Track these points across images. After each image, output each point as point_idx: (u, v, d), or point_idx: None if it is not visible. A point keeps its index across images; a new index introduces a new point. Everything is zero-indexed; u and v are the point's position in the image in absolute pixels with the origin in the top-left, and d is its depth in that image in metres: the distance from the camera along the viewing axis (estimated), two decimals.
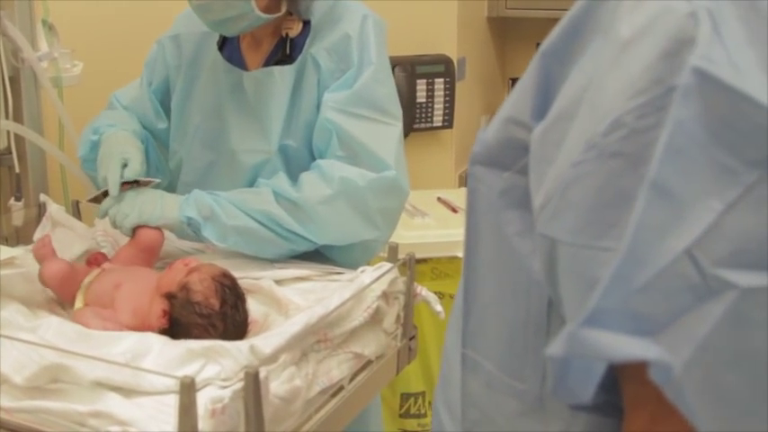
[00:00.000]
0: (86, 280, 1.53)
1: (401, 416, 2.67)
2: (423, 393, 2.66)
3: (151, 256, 1.62)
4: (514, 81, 3.45)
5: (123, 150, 1.68)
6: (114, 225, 1.63)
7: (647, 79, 0.67)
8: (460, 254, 2.59)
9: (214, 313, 1.36)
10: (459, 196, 2.91)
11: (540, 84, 0.82)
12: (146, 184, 1.66)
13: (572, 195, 0.71)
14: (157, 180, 1.69)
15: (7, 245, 1.84)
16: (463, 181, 3.26)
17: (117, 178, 1.63)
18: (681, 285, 0.65)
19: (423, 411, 2.68)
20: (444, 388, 1.04)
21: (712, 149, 0.65)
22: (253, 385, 1.07)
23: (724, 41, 0.66)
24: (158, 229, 1.62)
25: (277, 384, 1.17)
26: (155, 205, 1.61)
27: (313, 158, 1.68)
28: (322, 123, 1.63)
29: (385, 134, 1.65)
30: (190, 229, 1.61)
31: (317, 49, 1.68)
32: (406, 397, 2.65)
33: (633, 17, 0.71)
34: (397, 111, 1.71)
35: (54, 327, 1.35)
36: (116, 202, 1.62)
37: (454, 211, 2.77)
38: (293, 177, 1.65)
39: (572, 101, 0.75)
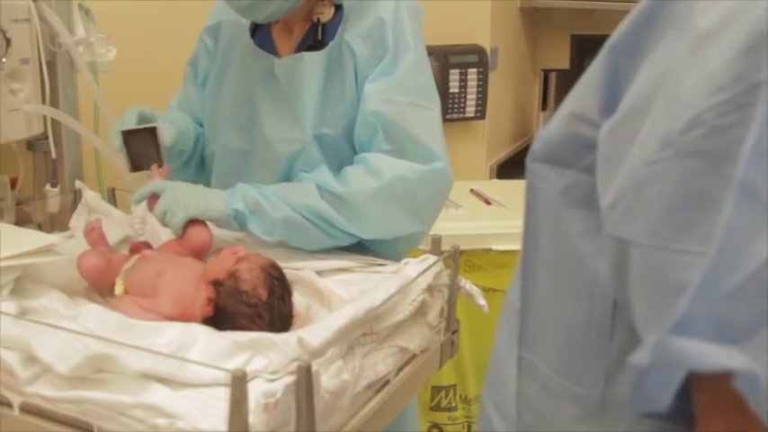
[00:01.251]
0: (126, 266, 1.51)
1: (432, 409, 2.65)
2: (453, 386, 2.64)
3: (197, 256, 1.59)
4: (546, 72, 3.41)
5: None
6: (164, 224, 1.60)
7: (728, 75, 0.64)
8: (495, 246, 2.58)
9: (261, 303, 1.34)
10: (492, 188, 2.88)
11: (607, 79, 0.79)
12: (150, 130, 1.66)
13: (646, 195, 0.68)
14: (155, 124, 1.68)
15: (42, 231, 1.83)
16: (494, 173, 3.23)
17: (116, 129, 1.66)
18: (766, 291, 0.62)
19: (453, 405, 2.65)
20: (494, 389, 1.02)
21: None
22: (305, 379, 1.05)
23: None
24: (209, 230, 1.59)
25: (326, 378, 1.15)
26: (199, 199, 1.58)
27: (352, 149, 1.65)
28: (366, 117, 1.59)
29: (429, 121, 1.62)
30: (236, 223, 1.58)
31: (351, 36, 1.63)
32: (436, 390, 2.62)
33: (712, 10, 0.68)
34: (436, 95, 1.68)
35: (94, 315, 1.32)
36: (159, 194, 1.59)
37: (488, 203, 2.75)
38: (331, 167, 1.63)
39: (644, 97, 0.72)
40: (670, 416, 0.75)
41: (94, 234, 1.60)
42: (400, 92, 1.59)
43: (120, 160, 1.69)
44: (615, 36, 0.79)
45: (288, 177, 1.67)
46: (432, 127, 1.61)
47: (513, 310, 0.96)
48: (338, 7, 1.68)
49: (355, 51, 1.62)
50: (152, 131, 1.66)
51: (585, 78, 0.83)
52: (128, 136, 1.66)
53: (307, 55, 1.65)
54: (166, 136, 1.68)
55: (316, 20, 1.68)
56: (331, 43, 1.65)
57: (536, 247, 0.89)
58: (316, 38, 1.67)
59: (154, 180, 1.63)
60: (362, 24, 1.63)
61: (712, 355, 0.62)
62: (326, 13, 1.68)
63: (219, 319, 1.34)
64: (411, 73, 1.61)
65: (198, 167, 1.86)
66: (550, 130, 0.87)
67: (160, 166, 1.66)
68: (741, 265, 0.62)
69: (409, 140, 1.58)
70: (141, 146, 1.66)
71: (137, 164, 1.67)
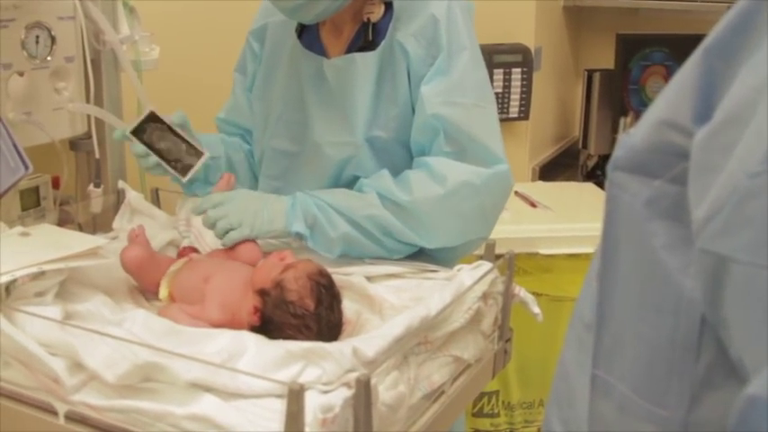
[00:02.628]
0: (172, 268, 1.48)
1: (474, 415, 2.60)
2: (496, 393, 2.59)
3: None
4: (590, 72, 3.35)
5: None
6: (210, 228, 1.54)
7: None
8: (541, 250, 2.52)
9: (308, 314, 1.30)
10: (536, 190, 2.83)
11: (702, 84, 0.73)
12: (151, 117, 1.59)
13: (750, 209, 0.63)
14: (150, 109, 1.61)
15: (83, 232, 1.80)
16: (537, 174, 3.17)
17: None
18: None
19: (496, 411, 2.61)
20: (561, 405, 0.97)
21: None
22: (364, 393, 1.00)
23: None
24: (257, 245, 1.55)
25: (382, 390, 1.11)
26: (262, 218, 1.53)
27: (405, 151, 1.60)
28: (426, 121, 1.54)
29: (489, 121, 1.57)
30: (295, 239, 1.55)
31: (404, 35, 1.58)
32: (479, 396, 2.57)
33: None
34: (492, 93, 1.63)
35: (140, 321, 1.30)
36: (217, 205, 1.54)
37: (533, 205, 2.69)
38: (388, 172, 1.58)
39: (744, 103, 0.67)
40: None
41: (138, 241, 1.57)
42: (460, 93, 1.55)
43: (169, 174, 1.62)
44: (710, 38, 0.73)
45: (337, 181, 1.63)
46: (491, 127, 1.57)
47: (583, 324, 0.91)
48: (388, 5, 1.63)
49: (408, 51, 1.57)
50: (155, 119, 1.59)
51: (675, 83, 0.78)
52: (140, 135, 1.58)
53: (358, 56, 1.60)
54: (175, 116, 1.61)
55: (366, 19, 1.62)
56: (383, 43, 1.60)
57: (615, 260, 0.83)
58: (366, 38, 1.62)
59: (216, 192, 1.58)
60: (415, 23, 1.58)
61: None
62: (376, 13, 1.62)
63: (267, 328, 1.31)
64: (468, 72, 1.56)
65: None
66: (635, 137, 0.81)
67: (190, 148, 1.59)
68: None
69: (471, 142, 1.53)
70: (163, 140, 1.59)
71: (177, 163, 1.59)
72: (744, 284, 0.64)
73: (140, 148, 1.59)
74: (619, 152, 0.82)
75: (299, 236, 1.54)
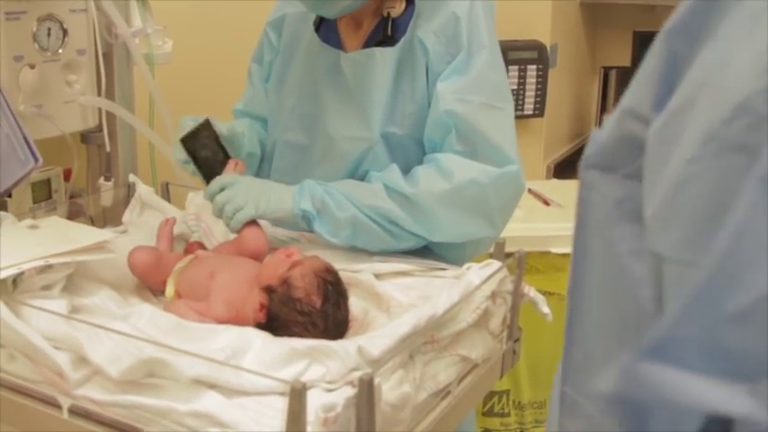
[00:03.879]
0: (178, 266, 1.48)
1: (484, 414, 2.59)
2: (507, 392, 2.57)
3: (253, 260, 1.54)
4: (606, 69, 3.33)
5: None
6: (219, 214, 1.53)
7: None
8: (553, 249, 2.48)
9: (315, 311, 1.29)
10: (550, 188, 2.81)
11: (664, 68, 0.65)
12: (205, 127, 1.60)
13: (682, 200, 0.56)
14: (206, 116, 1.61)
15: (94, 225, 1.80)
16: (552, 172, 3.15)
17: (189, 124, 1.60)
18: None
19: (506, 410, 2.59)
20: (550, 419, 0.93)
21: None
22: (367, 392, 0.99)
23: None
24: (264, 233, 1.54)
25: (387, 390, 1.10)
26: (269, 197, 1.53)
27: (420, 148, 1.59)
28: (439, 117, 1.53)
29: (503, 122, 1.55)
30: (303, 222, 1.53)
31: (424, 32, 1.56)
32: (489, 395, 2.56)
33: None
34: (510, 94, 1.62)
35: (146, 315, 1.29)
36: (225, 188, 1.53)
37: (546, 203, 2.67)
38: (398, 167, 1.57)
39: (695, 87, 0.59)
40: None
41: (165, 229, 1.58)
42: (475, 91, 1.53)
43: (187, 172, 1.62)
44: (673, 19, 0.66)
45: (351, 177, 1.61)
46: (505, 128, 1.55)
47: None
48: (409, 1, 1.62)
49: (428, 48, 1.55)
50: (208, 128, 1.60)
51: (641, 70, 0.71)
52: (189, 142, 1.59)
53: (378, 50, 1.59)
54: (221, 125, 1.62)
55: (386, 14, 1.61)
56: (402, 39, 1.58)
57: (584, 268, 0.74)
58: (385, 33, 1.60)
59: (225, 174, 1.57)
60: (436, 20, 1.57)
61: (698, 391, 0.50)
62: (397, 8, 1.61)
63: (273, 325, 1.30)
64: (486, 72, 1.55)
65: None
66: (604, 131, 0.74)
67: (225, 161, 1.60)
68: (752, 281, 0.49)
69: (482, 142, 1.51)
70: (205, 149, 1.59)
71: (209, 173, 1.59)
72: (671, 287, 0.57)
73: (182, 156, 1.60)
74: (590, 149, 0.72)
75: (306, 216, 1.52)
